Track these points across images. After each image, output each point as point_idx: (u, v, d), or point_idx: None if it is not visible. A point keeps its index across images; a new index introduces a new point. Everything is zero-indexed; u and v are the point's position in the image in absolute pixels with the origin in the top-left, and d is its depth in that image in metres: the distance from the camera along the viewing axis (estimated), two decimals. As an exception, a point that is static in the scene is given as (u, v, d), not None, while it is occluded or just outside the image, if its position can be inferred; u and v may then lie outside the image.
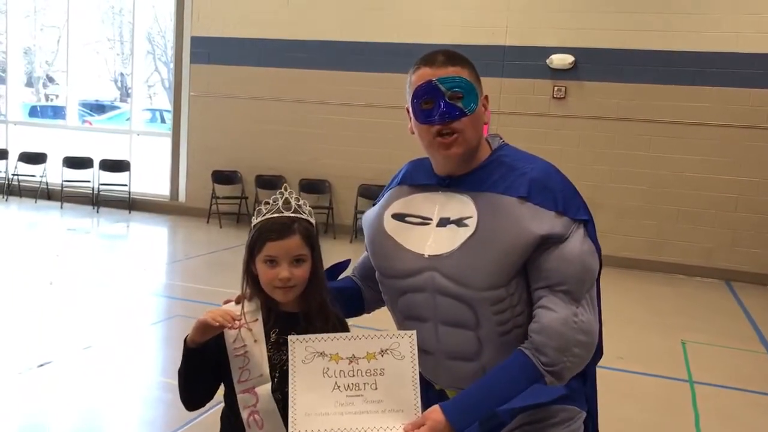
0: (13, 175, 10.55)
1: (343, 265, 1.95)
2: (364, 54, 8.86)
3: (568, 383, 1.54)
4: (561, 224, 1.53)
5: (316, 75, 9.10)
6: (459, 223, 1.59)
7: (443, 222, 1.62)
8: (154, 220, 9.63)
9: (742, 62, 7.55)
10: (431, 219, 1.64)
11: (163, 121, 16.88)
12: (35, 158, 10.60)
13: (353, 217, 8.85)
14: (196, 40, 9.67)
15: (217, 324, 1.54)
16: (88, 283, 6.06)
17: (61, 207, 10.02)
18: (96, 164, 10.17)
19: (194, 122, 9.83)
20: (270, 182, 9.21)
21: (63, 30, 12.88)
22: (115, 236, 9.02)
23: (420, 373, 1.56)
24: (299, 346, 1.52)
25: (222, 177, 9.53)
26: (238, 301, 1.65)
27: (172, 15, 10.00)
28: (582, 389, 1.64)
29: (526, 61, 8.23)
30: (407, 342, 1.51)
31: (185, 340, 1.58)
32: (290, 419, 1.47)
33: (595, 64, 8.03)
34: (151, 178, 10.61)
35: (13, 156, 10.73)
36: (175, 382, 1.64)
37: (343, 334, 1.55)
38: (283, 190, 1.66)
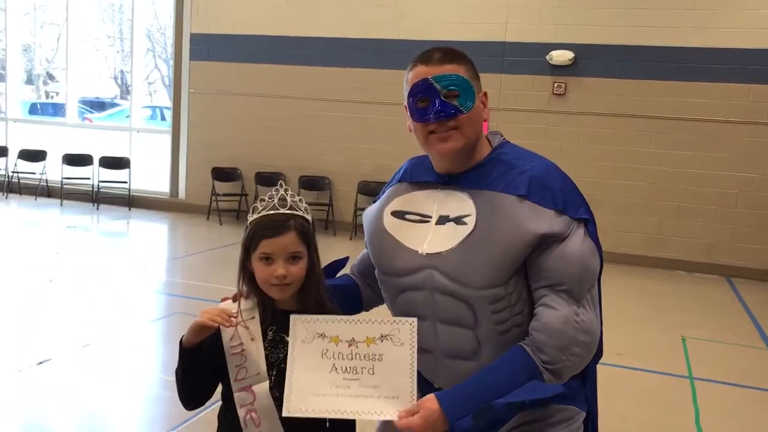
0: (13, 172, 10.55)
1: (341, 263, 1.94)
2: (364, 50, 8.84)
3: (567, 383, 1.53)
4: (560, 223, 1.52)
5: (316, 71, 9.08)
6: (458, 221, 1.59)
7: (442, 220, 1.61)
8: (154, 217, 9.62)
9: (742, 58, 7.53)
10: (431, 217, 1.64)
11: (163, 118, 16.83)
12: (35, 156, 10.59)
13: (353, 213, 8.84)
14: (195, 37, 9.66)
15: (214, 324, 1.53)
16: (88, 280, 6.06)
17: (61, 204, 10.02)
18: (96, 161, 10.18)
19: (194, 119, 9.82)
20: (270, 179, 9.19)
21: (63, 27, 12.85)
22: (115, 233, 9.01)
23: (419, 372, 1.55)
24: (300, 325, 1.53)
25: (222, 174, 9.53)
26: (234, 299, 1.64)
27: (172, 12, 9.98)
28: (581, 389, 1.63)
29: (525, 58, 8.22)
30: (407, 329, 1.52)
31: (180, 341, 1.58)
32: (285, 397, 1.48)
33: (595, 60, 8.01)
34: (151, 175, 10.59)
35: (13, 153, 10.72)
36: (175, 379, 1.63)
37: (345, 317, 1.56)
38: (279, 186, 1.65)
